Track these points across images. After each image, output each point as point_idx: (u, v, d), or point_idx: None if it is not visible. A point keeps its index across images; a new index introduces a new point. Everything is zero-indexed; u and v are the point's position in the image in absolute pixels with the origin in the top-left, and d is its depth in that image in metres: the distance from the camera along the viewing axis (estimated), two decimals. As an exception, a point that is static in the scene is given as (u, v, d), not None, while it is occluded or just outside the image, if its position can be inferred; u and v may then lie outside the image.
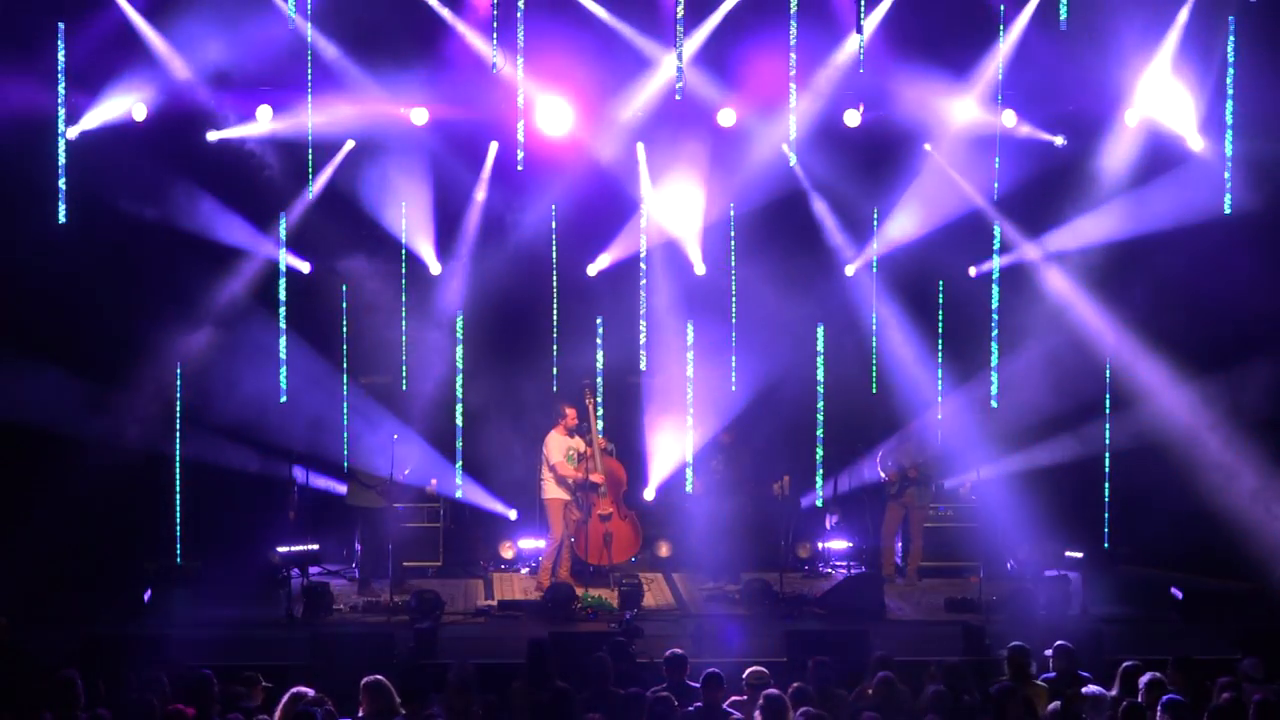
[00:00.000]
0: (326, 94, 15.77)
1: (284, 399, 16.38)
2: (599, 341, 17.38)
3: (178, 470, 16.44)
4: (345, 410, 16.42)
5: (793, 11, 15.37)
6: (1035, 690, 10.38)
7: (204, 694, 9.90)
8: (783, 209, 16.97)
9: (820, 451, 17.37)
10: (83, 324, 15.60)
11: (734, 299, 17.33)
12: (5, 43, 14.93)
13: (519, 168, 15.93)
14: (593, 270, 17.36)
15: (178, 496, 16.41)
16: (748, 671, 10.55)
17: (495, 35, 15.40)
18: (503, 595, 15.63)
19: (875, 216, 17.19)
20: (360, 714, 9.80)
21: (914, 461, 16.61)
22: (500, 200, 16.97)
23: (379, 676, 9.91)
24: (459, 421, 17.06)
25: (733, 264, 17.29)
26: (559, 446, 15.75)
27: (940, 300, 17.45)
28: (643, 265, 17.23)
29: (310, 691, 9.73)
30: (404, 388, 17.00)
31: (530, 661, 10.84)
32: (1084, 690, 10.06)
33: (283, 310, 16.61)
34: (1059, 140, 16.54)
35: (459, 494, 16.78)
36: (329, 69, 15.68)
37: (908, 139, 16.69)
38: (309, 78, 15.60)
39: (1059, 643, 11.04)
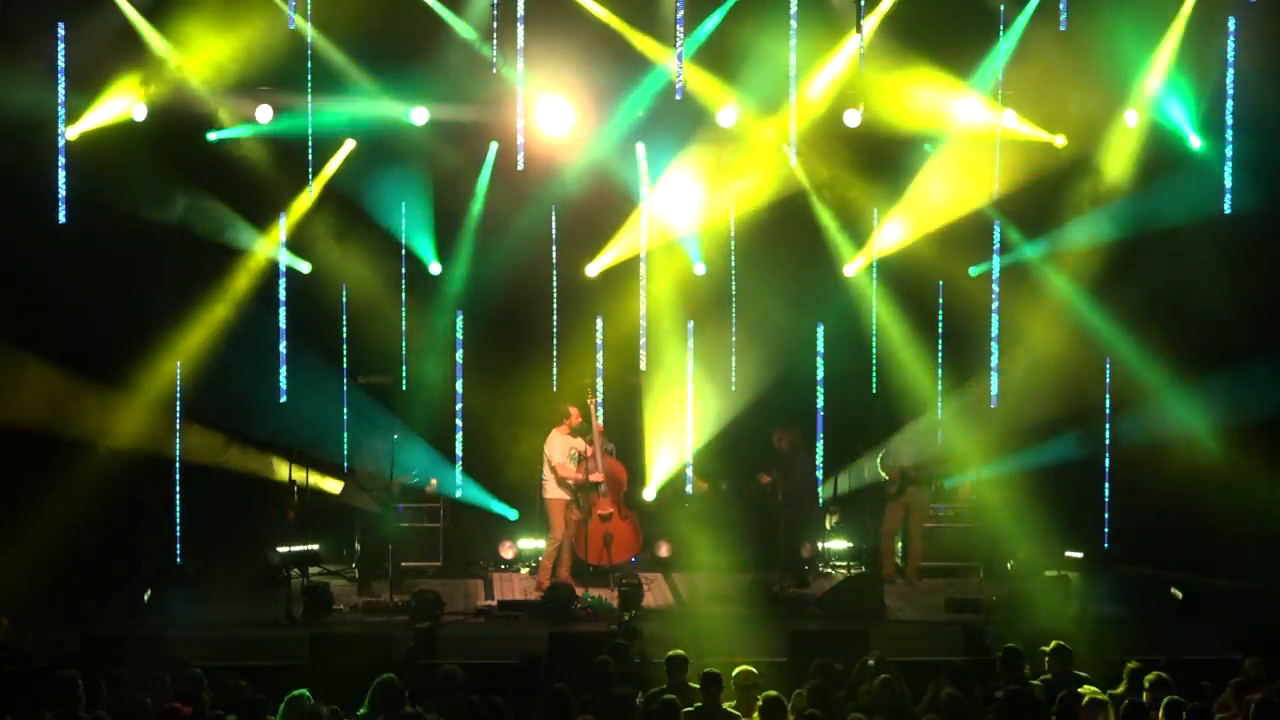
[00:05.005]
0: (326, 94, 15.78)
1: (284, 399, 16.40)
2: (599, 341, 17.39)
3: (178, 470, 16.45)
4: (345, 410, 16.46)
5: (793, 11, 15.38)
6: (1033, 691, 10.38)
7: (197, 693, 9.91)
8: (783, 209, 16.96)
9: (820, 451, 17.37)
10: (83, 324, 15.60)
11: (734, 299, 17.33)
12: (5, 43, 14.93)
13: (519, 168, 15.93)
14: (593, 270, 17.37)
15: (178, 496, 16.42)
16: (736, 671, 10.52)
17: (495, 35, 15.40)
18: (503, 595, 15.62)
19: (875, 216, 17.19)
20: (361, 712, 9.80)
21: (915, 461, 16.61)
22: (500, 200, 16.96)
23: (391, 675, 9.93)
24: (459, 421, 17.06)
25: (733, 264, 17.29)
26: (561, 447, 15.75)
27: (940, 300, 17.45)
28: (643, 265, 17.23)
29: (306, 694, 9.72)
30: (404, 388, 17.01)
31: (521, 673, 10.84)
32: (1080, 691, 10.06)
33: (283, 310, 16.62)
34: (1059, 140, 16.54)
35: (459, 494, 16.79)
36: (329, 69, 15.69)
37: (908, 139, 16.69)
38: (309, 78, 15.62)
39: (1055, 643, 11.04)
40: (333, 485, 16.63)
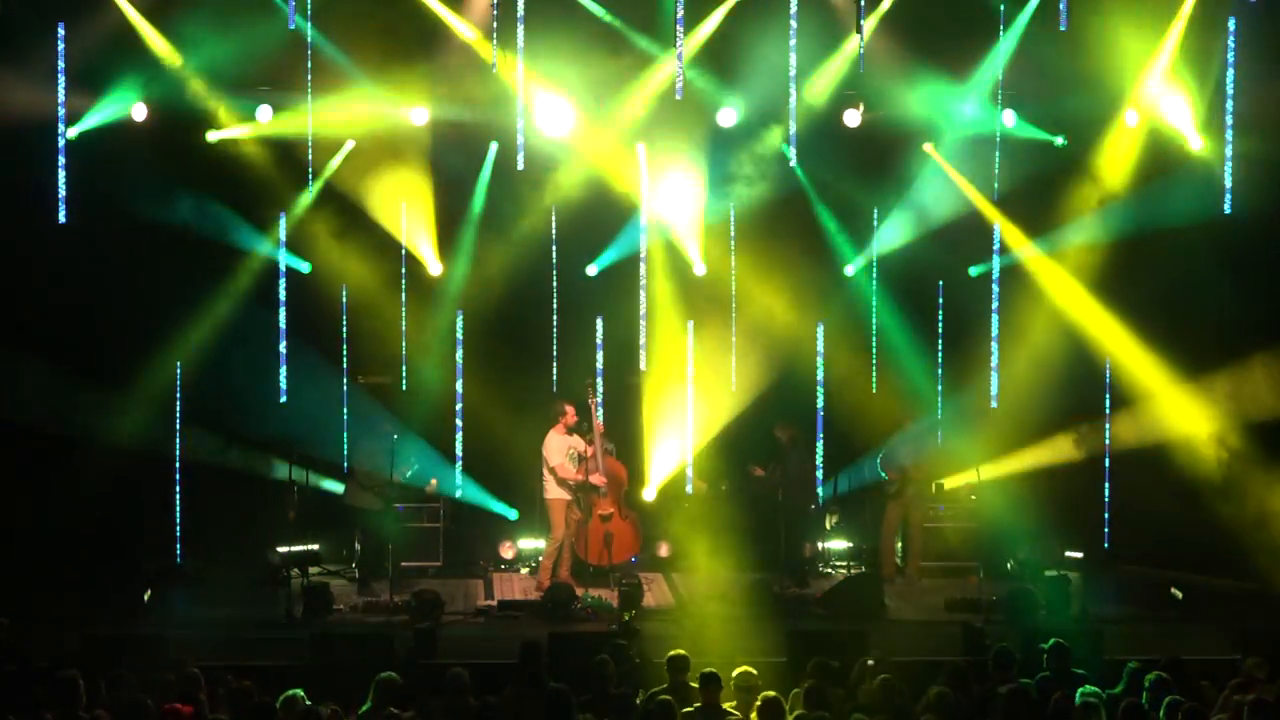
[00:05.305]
0: (326, 94, 15.79)
1: (284, 399, 16.40)
2: (599, 341, 17.39)
3: (178, 470, 16.45)
4: (345, 410, 16.48)
5: (793, 11, 15.37)
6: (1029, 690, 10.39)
7: (197, 693, 9.92)
8: (783, 209, 16.97)
9: (820, 451, 17.37)
10: (83, 324, 15.60)
11: (734, 299, 17.34)
12: (5, 43, 14.93)
13: (519, 168, 15.92)
14: (593, 270, 17.37)
15: (178, 496, 16.42)
16: (736, 672, 10.53)
17: (495, 35, 15.40)
18: (503, 595, 15.62)
19: (875, 216, 17.19)
20: (362, 710, 9.81)
21: (915, 461, 16.61)
22: (500, 200, 16.97)
23: (392, 673, 9.95)
24: (459, 421, 17.06)
25: (733, 264, 17.29)
26: (559, 447, 15.73)
27: (940, 300, 17.45)
28: (643, 265, 17.23)
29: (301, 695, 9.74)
30: (404, 388, 17.00)
31: (523, 663, 10.84)
32: (1075, 690, 10.08)
33: (283, 310, 16.62)
34: (1059, 140, 16.55)
35: (459, 494, 16.79)
36: (329, 69, 15.69)
37: (908, 139, 16.69)
38: (309, 78, 15.62)
39: (1054, 641, 11.06)
40: (334, 486, 16.63)
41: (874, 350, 17.47)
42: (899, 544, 16.78)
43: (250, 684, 10.06)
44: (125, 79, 15.54)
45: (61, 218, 15.40)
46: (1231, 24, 15.52)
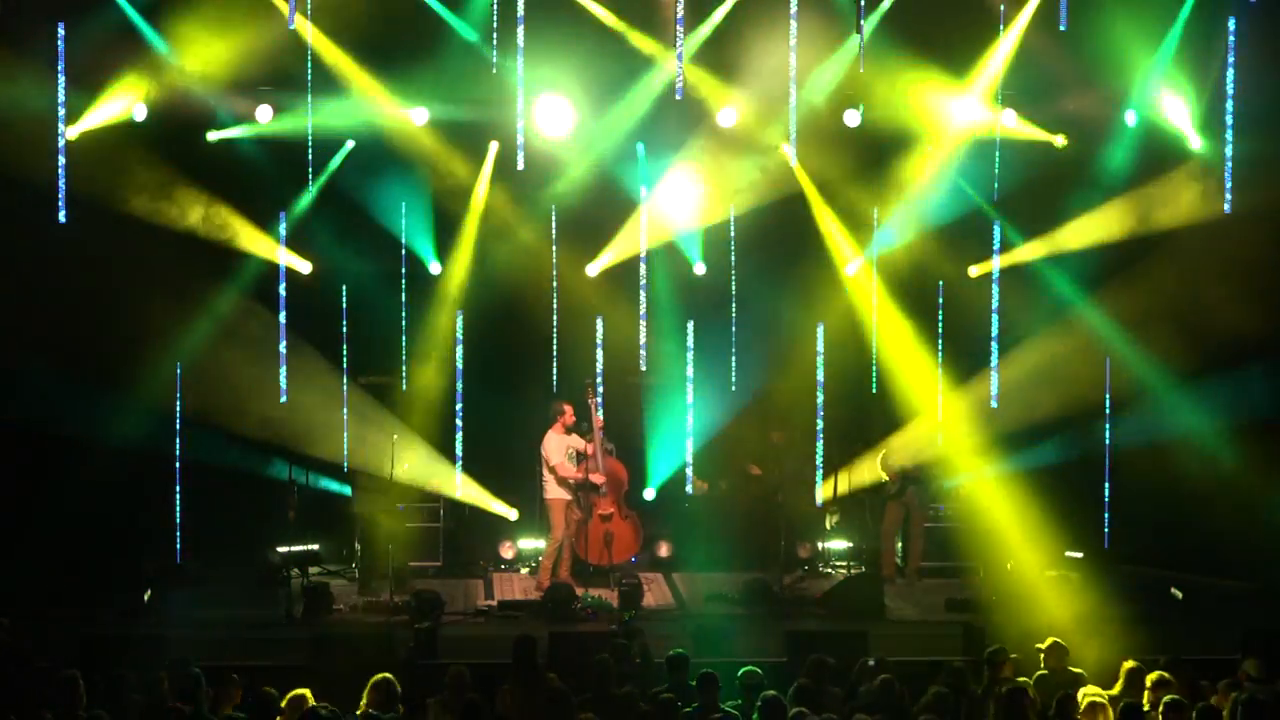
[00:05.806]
0: (326, 94, 15.79)
1: (284, 399, 16.39)
2: (599, 341, 17.39)
3: (178, 470, 16.44)
4: (345, 410, 16.48)
5: (793, 11, 15.37)
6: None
7: (196, 693, 9.93)
8: (783, 209, 16.97)
9: (820, 451, 17.37)
10: (83, 324, 15.58)
11: (734, 299, 17.34)
12: (6, 42, 14.93)
13: (519, 168, 15.92)
14: (593, 270, 17.37)
15: (178, 496, 16.42)
16: (741, 671, 10.53)
17: (495, 35, 15.40)
18: (503, 595, 15.63)
19: (875, 216, 17.19)
20: (360, 711, 9.81)
21: (914, 461, 16.61)
22: (500, 200, 16.97)
23: (387, 674, 9.96)
24: (459, 421, 17.06)
25: (733, 264, 17.30)
26: (558, 446, 15.75)
27: (940, 300, 17.45)
28: (643, 265, 17.24)
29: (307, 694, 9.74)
30: (404, 388, 17.00)
31: (517, 659, 10.85)
32: (1077, 689, 10.08)
33: (283, 310, 16.61)
34: (1059, 140, 16.55)
35: (459, 494, 16.79)
36: (329, 69, 15.69)
37: (908, 139, 16.69)
38: (309, 78, 15.62)
39: (1051, 640, 11.06)
40: (334, 486, 16.64)
41: (874, 350, 17.46)
42: (899, 544, 16.79)
43: (274, 691, 10.03)
44: (125, 79, 15.53)
45: (61, 218, 15.39)
46: (1231, 24, 15.52)
